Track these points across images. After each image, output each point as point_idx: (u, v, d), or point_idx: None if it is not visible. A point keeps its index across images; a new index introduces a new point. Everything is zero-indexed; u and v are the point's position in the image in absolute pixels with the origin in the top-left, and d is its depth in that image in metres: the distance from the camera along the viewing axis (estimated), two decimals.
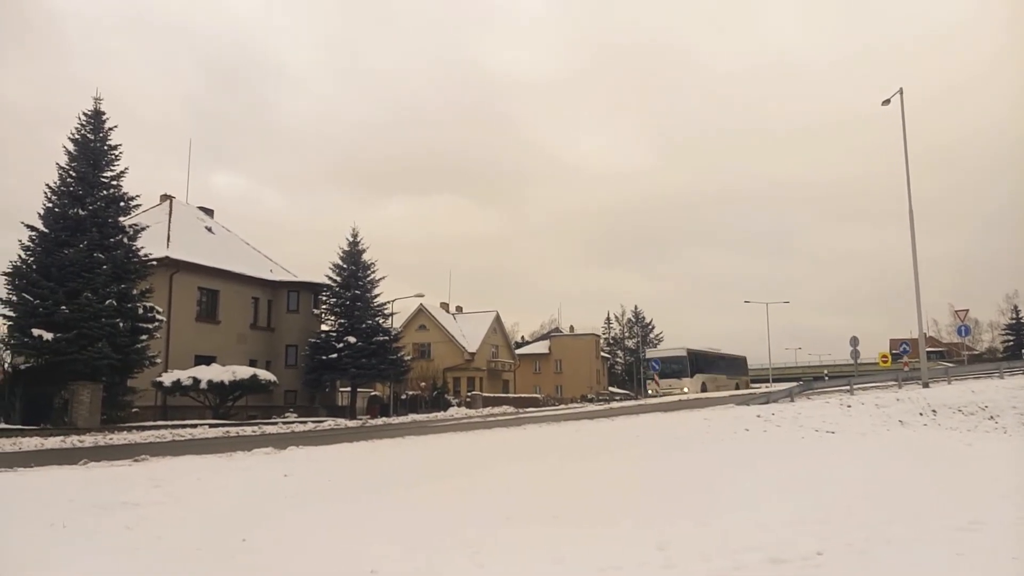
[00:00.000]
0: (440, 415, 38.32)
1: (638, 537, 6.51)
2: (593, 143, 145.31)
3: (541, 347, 77.20)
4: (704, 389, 45.81)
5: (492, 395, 53.80)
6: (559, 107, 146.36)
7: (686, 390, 44.25)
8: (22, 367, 26.78)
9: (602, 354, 78.71)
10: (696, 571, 5.45)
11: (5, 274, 27.16)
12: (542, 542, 6.39)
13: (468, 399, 50.49)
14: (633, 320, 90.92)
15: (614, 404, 43.42)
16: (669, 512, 7.69)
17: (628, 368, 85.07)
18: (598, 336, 79.85)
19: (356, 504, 8.62)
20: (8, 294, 26.45)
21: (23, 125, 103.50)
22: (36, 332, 25.15)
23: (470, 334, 63.63)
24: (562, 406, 46.99)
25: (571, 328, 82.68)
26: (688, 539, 6.41)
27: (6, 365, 27.56)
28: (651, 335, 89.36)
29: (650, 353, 53.62)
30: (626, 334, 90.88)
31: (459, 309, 69.83)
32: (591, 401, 55.52)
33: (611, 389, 73.69)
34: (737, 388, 50.19)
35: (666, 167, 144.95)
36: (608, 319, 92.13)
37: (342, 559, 5.96)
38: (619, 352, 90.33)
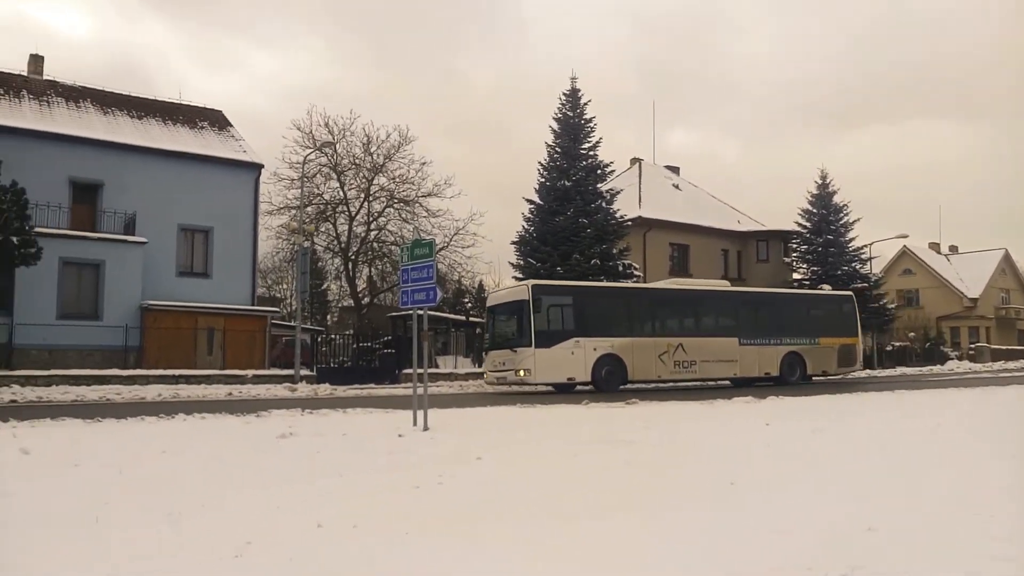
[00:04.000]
0: (935, 369, 34.22)
1: None
2: None
3: None
4: (606, 372, 19.98)
5: (1004, 347, 46.06)
6: None
7: (523, 373, 19.36)
8: None
9: None
10: None
11: (514, 243, 32.06)
12: None
13: (971, 351, 44.09)
14: None
15: None
16: None
17: None
18: None
19: (842, 460, 8.08)
20: (517, 259, 31.23)
21: (505, 110, 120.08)
22: None
23: (969, 277, 55.25)
24: None
25: None
26: None
27: None
28: None
29: (491, 299, 22.97)
30: None
31: (953, 249, 61.10)
32: None
33: None
34: (796, 367, 22.88)
35: None
36: None
37: (835, 511, 5.60)
38: None
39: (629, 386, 20.36)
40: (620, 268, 30.60)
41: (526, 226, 31.63)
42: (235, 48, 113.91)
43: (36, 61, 30.28)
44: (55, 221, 24.75)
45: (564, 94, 32.11)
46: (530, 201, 31.67)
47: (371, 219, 37.57)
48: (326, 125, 35.77)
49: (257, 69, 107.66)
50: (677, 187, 44.27)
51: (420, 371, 10.88)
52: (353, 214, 37.17)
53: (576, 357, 19.64)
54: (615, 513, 5.31)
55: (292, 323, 29.63)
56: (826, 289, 34.13)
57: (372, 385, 24.60)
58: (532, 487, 6.40)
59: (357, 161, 36.71)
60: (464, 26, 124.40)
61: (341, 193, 36.93)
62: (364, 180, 36.97)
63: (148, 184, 27.06)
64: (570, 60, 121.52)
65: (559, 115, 31.99)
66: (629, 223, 33.03)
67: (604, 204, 31.43)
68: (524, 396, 18.09)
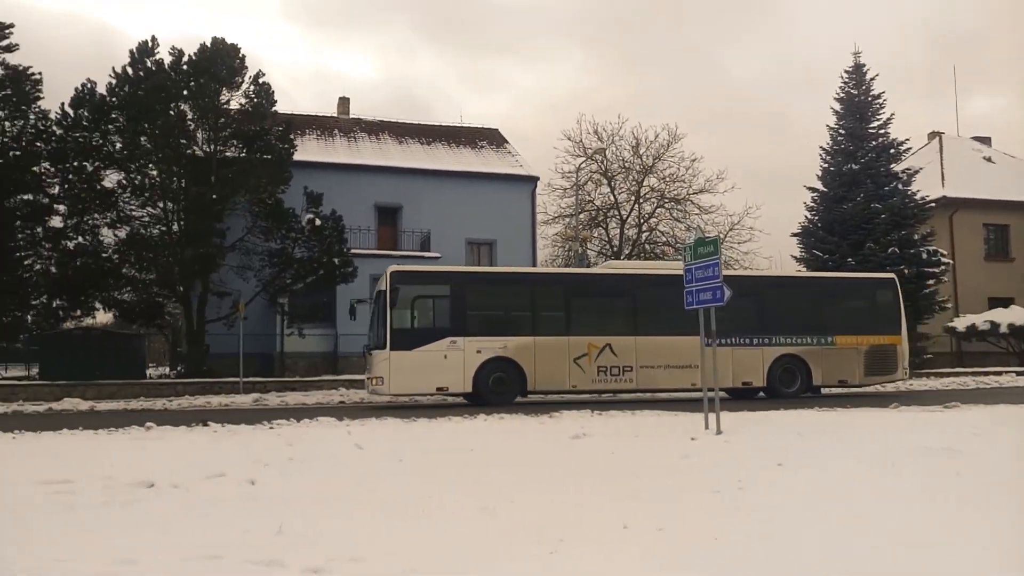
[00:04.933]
0: None
1: None
2: None
3: None
4: (495, 380, 16.15)
5: None
6: None
7: (375, 382, 16.16)
8: None
9: None
10: None
11: (795, 235, 30.25)
12: None
13: None
14: None
15: None
16: None
17: None
18: None
19: None
20: (801, 252, 29.44)
21: (774, 96, 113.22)
22: None
23: None
24: None
25: None
26: None
27: None
28: None
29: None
30: None
31: None
32: None
33: None
34: (796, 374, 17.84)
35: None
36: None
37: None
38: None
39: (531, 398, 16.87)
40: (924, 255, 27.55)
41: (809, 216, 29.72)
42: (500, 68, 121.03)
43: (344, 103, 34.58)
44: (364, 242, 27.98)
45: (846, 71, 29.70)
46: (812, 189, 29.72)
47: (642, 221, 37.63)
48: (595, 132, 36.52)
49: (522, 86, 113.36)
50: (989, 160, 38.73)
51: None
52: (624, 217, 37.49)
53: (451, 361, 15.95)
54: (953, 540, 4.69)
55: None
56: None
57: None
58: (847, 499, 5.89)
59: (627, 164, 37.01)
60: (723, 15, 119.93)
61: (612, 198, 37.44)
62: (634, 182, 37.14)
63: (439, 203, 29.59)
64: (843, 35, 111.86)
65: (841, 94, 29.63)
66: (932, 204, 29.62)
67: (900, 186, 28.52)
68: (804, 400, 16.84)
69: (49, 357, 22.17)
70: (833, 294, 19.30)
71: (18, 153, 22.67)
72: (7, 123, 22.80)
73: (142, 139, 23.02)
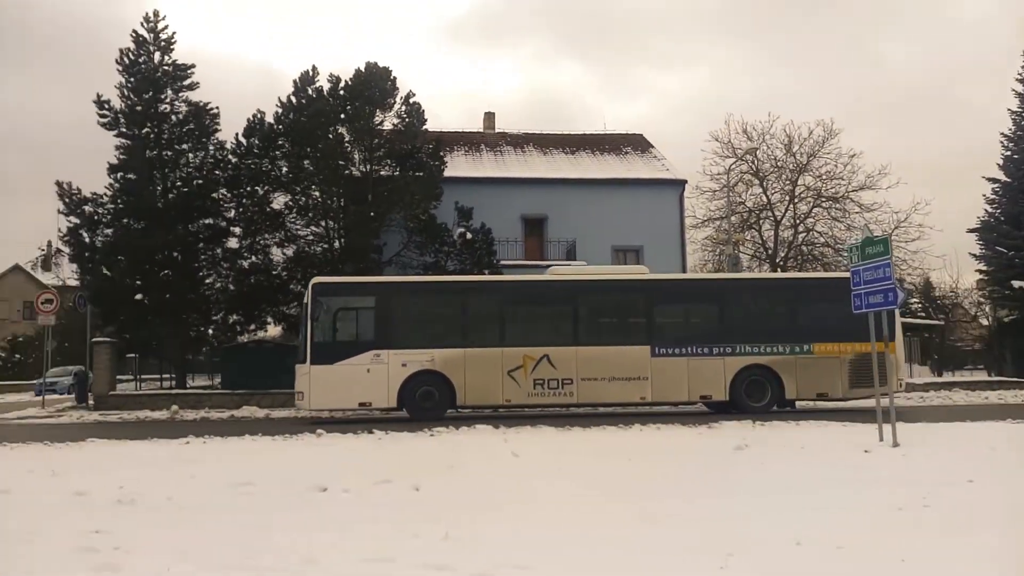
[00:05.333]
0: None
1: None
2: None
3: None
4: (422, 394, 15.34)
5: None
6: None
7: (298, 397, 15.71)
8: (1006, 319, 26.85)
9: None
10: None
11: (973, 230, 27.80)
12: None
13: None
14: None
15: None
16: None
17: None
18: None
19: None
20: (981, 249, 27.01)
21: (939, 84, 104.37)
22: (1016, 284, 24.90)
23: None
24: None
25: None
26: None
27: (990, 319, 28.16)
28: None
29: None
30: None
31: None
32: None
33: None
34: (766, 386, 15.57)
35: None
36: None
37: None
38: None
39: (461, 412, 15.86)
40: None
41: (990, 209, 27.27)
42: (643, 72, 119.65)
43: (489, 118, 35.31)
44: (512, 253, 28.36)
45: None
46: (993, 180, 27.26)
47: (798, 221, 35.80)
48: (744, 132, 35.19)
49: (665, 88, 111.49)
50: None
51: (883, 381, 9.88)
52: (778, 218, 35.84)
53: (375, 375, 15.38)
54: None
55: None
56: None
57: None
58: None
59: (779, 163, 35.35)
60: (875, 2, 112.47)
61: (764, 198, 35.90)
62: (788, 182, 35.43)
63: (584, 212, 29.50)
64: (1018, 11, 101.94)
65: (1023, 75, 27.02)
66: None
67: None
68: (999, 410, 15.36)
69: (228, 368, 23.99)
70: (810, 297, 16.90)
71: (200, 181, 24.79)
72: (191, 154, 25.00)
73: (305, 163, 24.52)
